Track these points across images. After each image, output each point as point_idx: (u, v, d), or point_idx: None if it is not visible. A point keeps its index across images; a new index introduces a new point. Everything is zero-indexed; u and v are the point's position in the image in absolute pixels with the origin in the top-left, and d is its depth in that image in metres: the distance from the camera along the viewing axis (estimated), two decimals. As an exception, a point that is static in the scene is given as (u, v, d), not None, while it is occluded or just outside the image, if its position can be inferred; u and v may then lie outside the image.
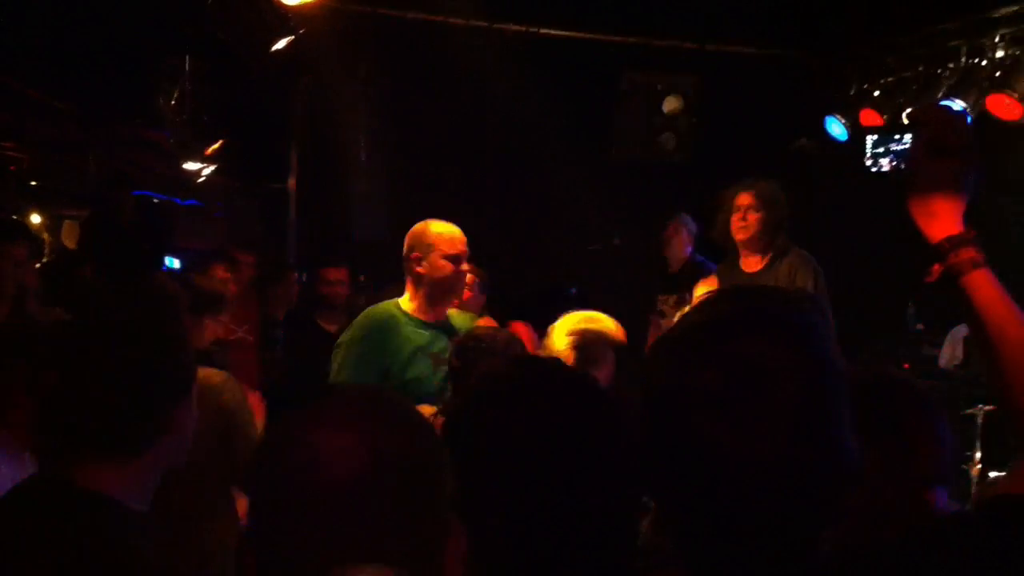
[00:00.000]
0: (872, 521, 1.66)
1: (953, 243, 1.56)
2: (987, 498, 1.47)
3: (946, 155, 1.60)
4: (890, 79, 6.83)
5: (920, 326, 7.50)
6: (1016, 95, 5.98)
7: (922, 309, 7.44)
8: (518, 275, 7.38)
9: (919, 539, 1.55)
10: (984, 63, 6.20)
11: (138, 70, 7.89)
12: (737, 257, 4.91)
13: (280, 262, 7.30)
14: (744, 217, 4.75)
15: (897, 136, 7.07)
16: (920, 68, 6.63)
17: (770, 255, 4.78)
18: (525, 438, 1.44)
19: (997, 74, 6.09)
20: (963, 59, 6.32)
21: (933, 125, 1.64)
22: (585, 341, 3.35)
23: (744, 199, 4.77)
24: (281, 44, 6.55)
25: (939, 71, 6.47)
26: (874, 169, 7.23)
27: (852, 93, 7.05)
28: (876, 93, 6.84)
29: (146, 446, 1.67)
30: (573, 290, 7.54)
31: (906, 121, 6.66)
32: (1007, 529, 1.37)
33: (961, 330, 6.60)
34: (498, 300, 6.14)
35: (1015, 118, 6.03)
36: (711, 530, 1.20)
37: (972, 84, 6.18)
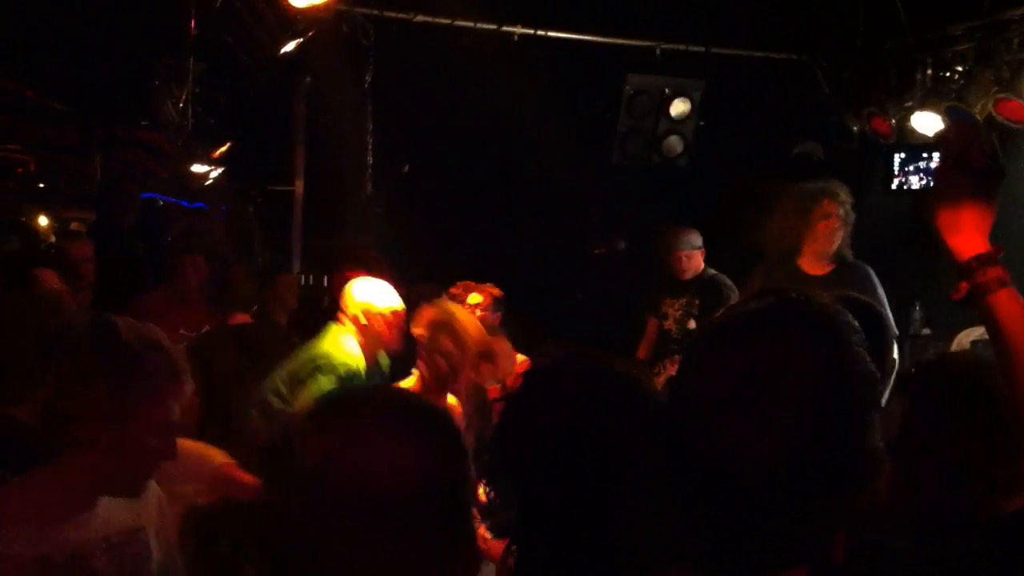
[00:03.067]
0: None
1: (981, 262, 1.57)
2: (1005, 514, 1.46)
3: (972, 171, 1.61)
4: (897, 83, 6.81)
5: (927, 330, 7.47)
6: (1024, 99, 5.97)
7: (928, 313, 7.41)
8: (522, 280, 7.36)
9: (940, 545, 1.53)
10: (992, 66, 6.18)
11: (143, 72, 7.90)
12: (794, 257, 4.86)
13: (275, 265, 7.29)
14: (838, 226, 4.72)
15: (925, 154, 7.04)
16: (928, 72, 6.61)
17: (836, 263, 4.77)
18: (576, 433, 1.50)
19: (1006, 77, 6.08)
20: (971, 62, 6.31)
21: (960, 142, 1.65)
22: None
23: (834, 207, 4.74)
24: (290, 47, 6.54)
25: (947, 75, 6.46)
26: (905, 187, 7.21)
27: (860, 98, 7.04)
28: (883, 97, 6.84)
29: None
30: (580, 295, 7.53)
31: (926, 133, 6.64)
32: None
33: (968, 334, 6.57)
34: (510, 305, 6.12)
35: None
36: (717, 527, 1.20)
37: (980, 88, 6.16)
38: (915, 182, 7.19)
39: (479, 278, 5.79)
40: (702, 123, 7.62)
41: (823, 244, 4.76)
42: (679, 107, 7.56)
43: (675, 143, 7.62)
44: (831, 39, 7.32)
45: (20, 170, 9.01)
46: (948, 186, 1.63)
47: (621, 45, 7.53)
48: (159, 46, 7.57)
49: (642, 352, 6.61)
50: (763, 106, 7.45)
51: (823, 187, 4.85)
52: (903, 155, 7.24)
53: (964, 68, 6.35)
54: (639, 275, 7.10)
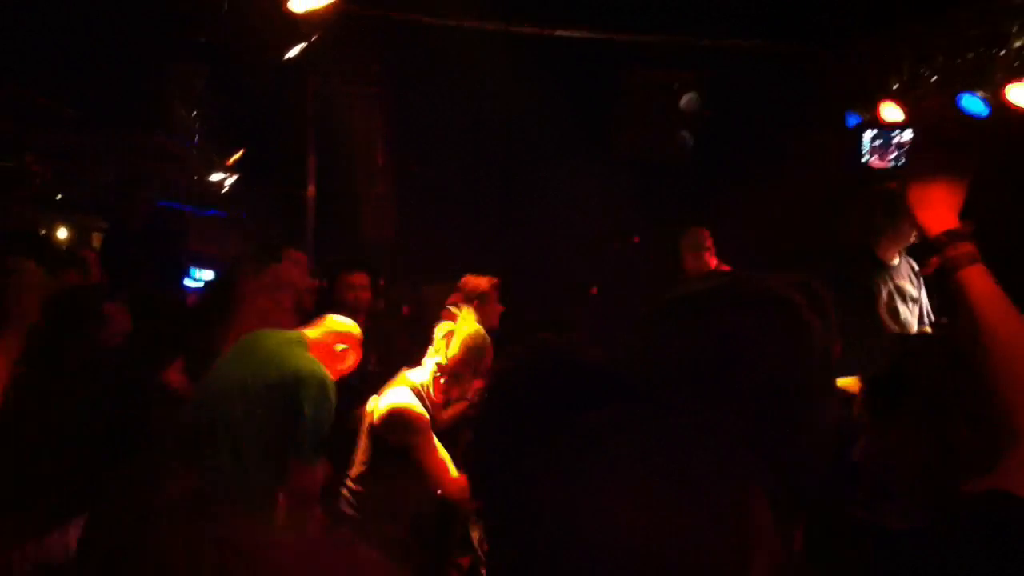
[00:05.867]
0: None
1: (950, 237, 1.56)
2: (976, 493, 1.45)
3: (946, 146, 1.60)
4: (907, 71, 6.75)
5: (944, 320, 7.39)
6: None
7: (946, 302, 7.33)
8: (537, 276, 7.36)
9: (909, 532, 1.52)
10: (1003, 52, 6.12)
11: (155, 79, 7.97)
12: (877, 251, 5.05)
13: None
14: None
15: (895, 132, 7.04)
16: (938, 59, 6.55)
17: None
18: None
19: (1016, 64, 6.02)
20: (981, 48, 6.24)
21: (933, 118, 1.66)
22: None
23: None
24: (295, 51, 6.58)
25: (957, 61, 6.39)
26: (874, 164, 7.21)
27: (870, 87, 6.98)
28: (895, 86, 6.77)
29: None
30: (595, 290, 7.52)
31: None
32: (995, 526, 1.34)
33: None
34: (521, 302, 6.12)
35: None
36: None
37: (990, 74, 6.10)
38: (883, 159, 7.24)
39: (491, 273, 5.79)
40: (710, 116, 7.58)
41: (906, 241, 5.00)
42: (689, 101, 7.52)
43: (683, 137, 7.58)
44: (840, 27, 7.25)
45: (38, 180, 9.09)
46: (921, 160, 1.62)
47: (629, 41, 7.51)
48: (169, 52, 7.63)
49: None
50: (770, 97, 7.40)
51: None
52: (873, 131, 7.27)
53: (975, 54, 6.29)
54: (653, 270, 7.08)
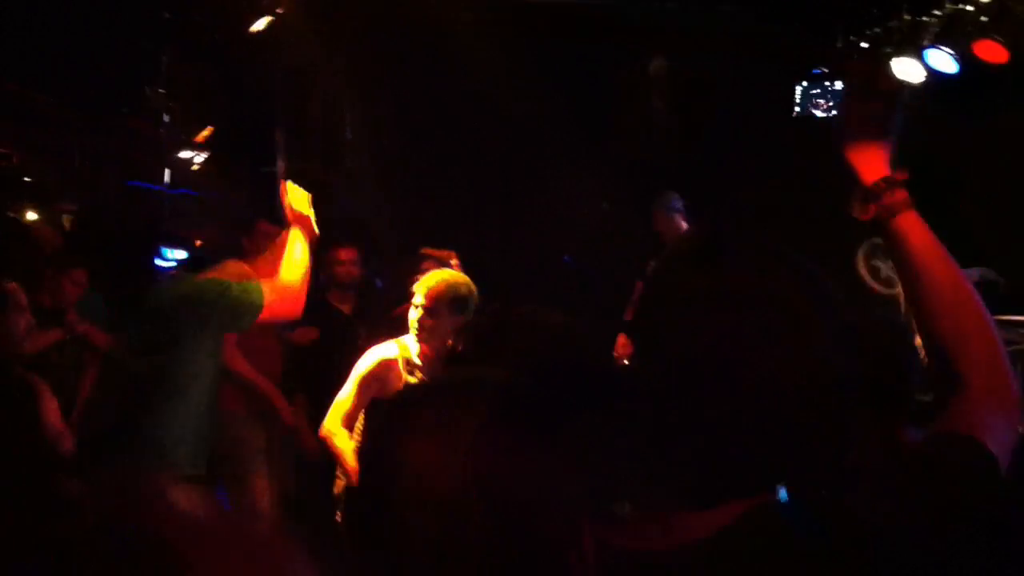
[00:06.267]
0: None
1: (887, 183, 1.59)
2: (931, 437, 1.46)
3: (874, 98, 1.65)
4: (876, 29, 6.76)
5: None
6: (1003, 39, 5.95)
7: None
8: (509, 245, 7.35)
9: (908, 532, 1.51)
10: (970, 8, 6.15)
11: (121, 60, 7.88)
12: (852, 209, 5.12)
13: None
14: None
15: (827, 82, 7.02)
16: (905, 16, 6.57)
17: None
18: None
19: (983, 19, 6.06)
20: (948, 5, 6.27)
21: (862, 70, 1.69)
22: None
23: None
24: (260, 25, 6.53)
25: (924, 18, 6.42)
26: (809, 115, 7.16)
27: (839, 45, 6.98)
28: (863, 44, 6.78)
29: None
30: (568, 258, 7.52)
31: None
32: (995, 525, 1.35)
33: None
34: (491, 271, 6.10)
35: (1002, 62, 6.01)
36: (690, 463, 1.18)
37: (958, 30, 6.15)
38: (817, 110, 7.16)
39: (466, 249, 5.76)
40: (686, 101, 7.54)
41: None
42: (654, 67, 7.50)
43: (652, 105, 7.57)
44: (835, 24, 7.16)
45: (4, 163, 8.98)
46: (854, 114, 1.65)
47: (594, 15, 7.45)
48: (136, 32, 7.55)
49: (630, 314, 6.63)
50: (750, 75, 7.32)
51: None
52: (805, 83, 7.21)
53: (942, 11, 6.31)
54: (625, 237, 7.06)
